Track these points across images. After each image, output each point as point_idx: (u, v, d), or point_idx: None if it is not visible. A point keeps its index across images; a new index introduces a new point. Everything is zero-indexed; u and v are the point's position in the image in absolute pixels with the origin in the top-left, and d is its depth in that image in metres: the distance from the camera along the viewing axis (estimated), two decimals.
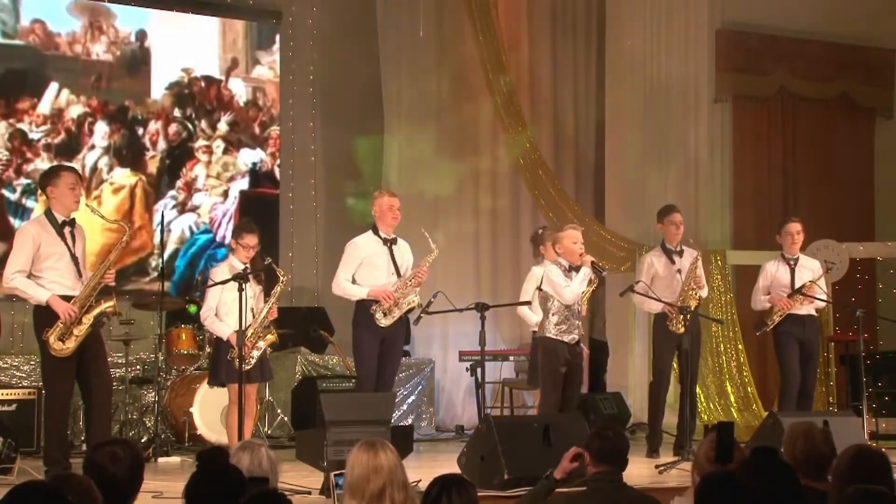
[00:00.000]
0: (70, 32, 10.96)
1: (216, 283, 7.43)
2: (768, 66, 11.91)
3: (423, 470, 6.83)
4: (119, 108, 11.14)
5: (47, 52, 10.87)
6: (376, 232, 7.94)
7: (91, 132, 11.00)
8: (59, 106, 10.84)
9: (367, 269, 7.85)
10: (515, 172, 11.29)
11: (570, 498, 4.73)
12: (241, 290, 6.94)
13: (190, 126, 11.48)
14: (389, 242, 7.92)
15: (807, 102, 12.16)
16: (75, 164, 10.49)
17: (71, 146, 10.87)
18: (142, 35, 11.30)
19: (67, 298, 6.84)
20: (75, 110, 10.91)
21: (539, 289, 7.94)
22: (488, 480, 6.51)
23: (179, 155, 11.44)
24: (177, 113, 11.41)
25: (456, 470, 6.73)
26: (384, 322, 7.77)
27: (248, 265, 7.52)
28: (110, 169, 11.07)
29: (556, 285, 7.74)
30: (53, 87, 10.85)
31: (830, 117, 12.23)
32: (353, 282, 7.86)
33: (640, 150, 11.34)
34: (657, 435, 8.56)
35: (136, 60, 11.27)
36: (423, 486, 3.94)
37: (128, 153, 11.16)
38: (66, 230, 6.96)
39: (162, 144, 11.33)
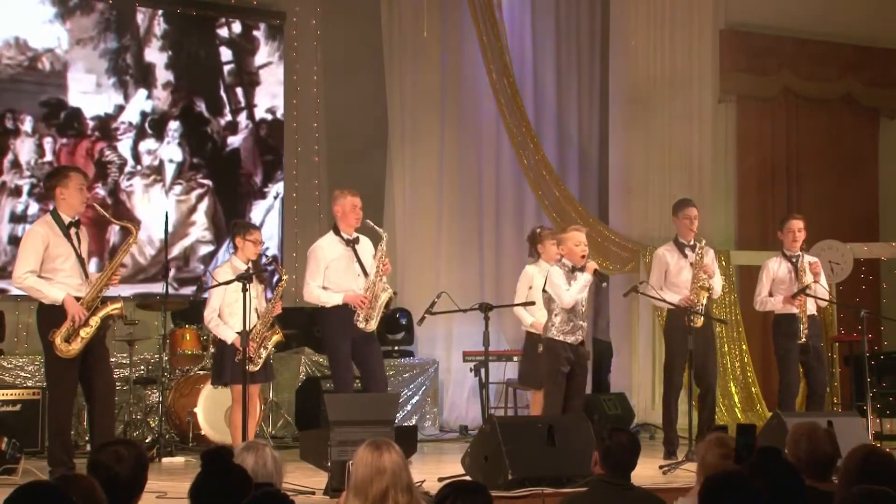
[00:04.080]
0: None
1: (220, 284, 7.43)
2: (772, 66, 11.89)
3: (427, 470, 6.85)
4: None
5: None
6: (338, 233, 7.84)
7: None
8: None
9: (334, 273, 7.77)
10: (519, 173, 11.29)
11: (573, 498, 4.73)
12: (244, 290, 6.95)
13: None
14: (352, 242, 7.83)
15: (811, 102, 12.14)
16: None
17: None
18: None
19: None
20: None
21: (543, 290, 7.90)
22: (492, 480, 6.50)
23: None
24: None
25: (459, 470, 6.74)
26: (370, 327, 7.70)
27: (250, 265, 7.52)
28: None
29: (557, 287, 7.70)
30: None
31: (834, 117, 12.21)
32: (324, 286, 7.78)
33: (644, 151, 11.34)
34: (673, 438, 8.45)
35: None
36: (427, 486, 3.94)
37: None
38: (73, 231, 6.98)
39: None
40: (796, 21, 11.82)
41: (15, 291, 7.39)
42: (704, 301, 8.41)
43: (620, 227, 11.30)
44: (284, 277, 7.61)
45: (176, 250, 11.14)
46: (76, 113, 10.77)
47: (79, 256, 6.95)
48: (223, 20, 11.53)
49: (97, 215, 7.48)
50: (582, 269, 7.76)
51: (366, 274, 7.80)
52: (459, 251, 11.39)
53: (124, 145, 10.99)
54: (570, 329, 7.74)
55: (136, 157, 11.04)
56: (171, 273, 10.97)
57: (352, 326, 7.70)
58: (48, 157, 10.59)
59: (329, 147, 11.93)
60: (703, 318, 8.31)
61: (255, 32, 11.71)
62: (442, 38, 11.43)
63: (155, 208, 10.87)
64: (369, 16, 11.57)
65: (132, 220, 9.46)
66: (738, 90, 11.75)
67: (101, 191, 10.77)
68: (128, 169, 10.99)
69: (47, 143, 10.63)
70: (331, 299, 7.73)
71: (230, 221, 10.32)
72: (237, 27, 11.61)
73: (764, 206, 11.84)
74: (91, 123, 10.83)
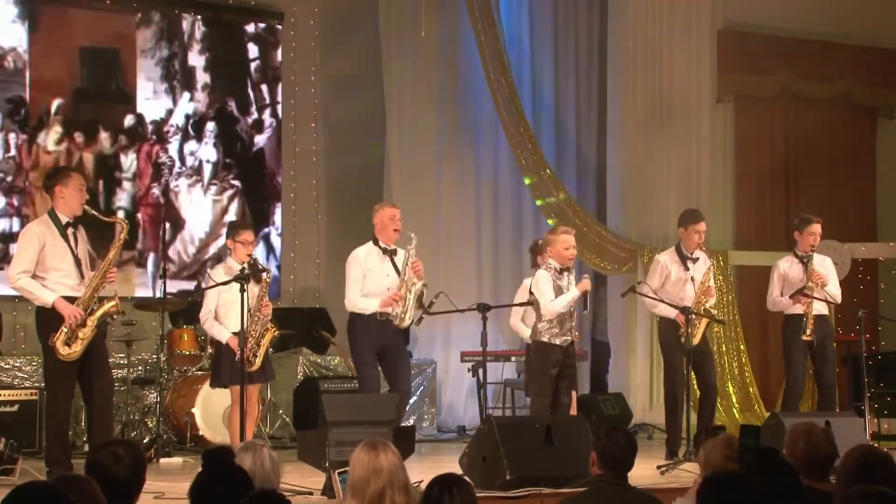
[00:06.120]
0: None
1: (217, 284, 7.41)
2: (770, 66, 11.89)
3: (425, 471, 6.84)
4: None
5: None
6: (376, 243, 7.88)
7: None
8: None
9: (369, 281, 7.80)
10: (517, 173, 11.29)
11: (572, 498, 4.73)
12: (242, 290, 6.94)
13: None
14: (390, 253, 7.86)
15: (809, 103, 12.14)
16: None
17: None
18: None
19: (70, 300, 6.85)
20: None
21: (530, 291, 7.86)
22: (490, 481, 6.51)
23: None
24: None
25: (458, 471, 6.73)
26: (405, 323, 7.78)
27: (245, 265, 7.48)
28: None
29: (543, 295, 7.66)
30: None
31: (832, 117, 12.20)
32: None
33: (642, 151, 11.34)
34: (675, 439, 8.39)
35: None
36: (425, 487, 3.93)
37: None
38: (70, 231, 6.97)
39: None
40: (795, 21, 11.82)
41: (13, 292, 7.37)
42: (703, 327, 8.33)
43: (618, 227, 11.30)
44: (266, 277, 7.55)
45: (212, 249, 11.24)
46: (140, 118, 11.09)
47: (75, 257, 6.95)
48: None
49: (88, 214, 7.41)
50: (569, 270, 7.73)
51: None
52: (457, 251, 11.39)
53: (173, 147, 11.22)
54: (559, 331, 7.69)
55: (182, 159, 11.25)
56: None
57: (377, 334, 7.73)
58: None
59: (327, 147, 11.92)
60: (700, 334, 8.27)
61: (279, 26, 11.73)
62: (440, 38, 11.43)
63: (196, 208, 11.22)
64: (367, 16, 11.57)
65: (144, 219, 9.40)
66: (737, 90, 11.75)
67: (156, 191, 11.07)
68: (175, 170, 11.21)
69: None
70: (370, 306, 7.74)
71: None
72: (261, 22, 11.68)
73: (762, 206, 11.84)
74: (150, 128, 11.13)
